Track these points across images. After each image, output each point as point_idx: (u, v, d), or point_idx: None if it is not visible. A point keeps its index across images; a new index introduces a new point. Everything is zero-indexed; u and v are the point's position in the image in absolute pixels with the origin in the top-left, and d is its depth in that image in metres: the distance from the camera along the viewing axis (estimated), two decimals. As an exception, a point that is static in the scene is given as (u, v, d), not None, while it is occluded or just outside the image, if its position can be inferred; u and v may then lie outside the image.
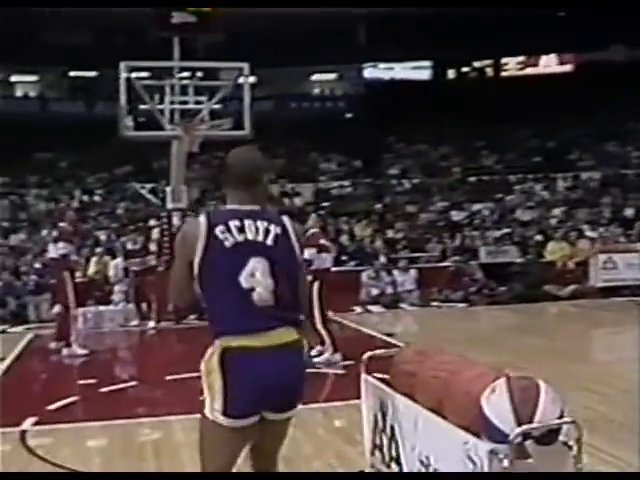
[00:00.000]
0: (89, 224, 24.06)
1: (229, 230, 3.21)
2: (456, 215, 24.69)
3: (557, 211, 23.33)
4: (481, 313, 15.05)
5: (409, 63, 35.14)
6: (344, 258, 19.66)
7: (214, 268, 3.20)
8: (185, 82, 15.44)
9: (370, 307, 15.73)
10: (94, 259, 16.52)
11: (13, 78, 32.99)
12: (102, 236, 21.94)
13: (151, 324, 13.96)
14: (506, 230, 21.15)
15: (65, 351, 11.21)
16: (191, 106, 15.25)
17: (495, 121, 29.18)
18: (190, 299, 3.36)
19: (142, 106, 15.18)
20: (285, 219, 3.39)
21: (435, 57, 34.86)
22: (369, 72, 35.41)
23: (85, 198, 26.99)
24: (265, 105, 34.33)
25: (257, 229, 3.25)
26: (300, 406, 3.39)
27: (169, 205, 15.14)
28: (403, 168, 29.89)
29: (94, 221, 24.40)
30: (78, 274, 12.92)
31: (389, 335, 11.74)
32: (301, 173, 29.92)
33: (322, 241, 10.19)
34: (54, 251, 11.55)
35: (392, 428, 4.24)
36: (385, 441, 4.38)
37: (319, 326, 9.84)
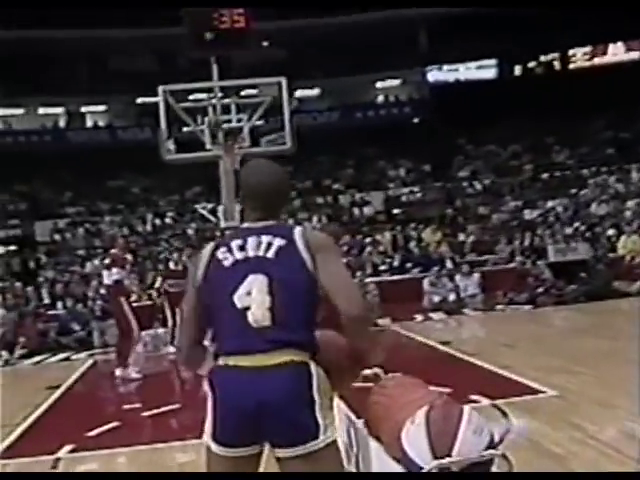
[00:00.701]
0: (160, 247, 24.51)
1: (230, 250, 3.02)
2: (529, 214, 24.18)
3: (631, 203, 22.53)
4: (545, 314, 14.52)
5: (473, 63, 34.57)
6: (409, 265, 19.44)
7: (212, 290, 3.02)
8: (225, 101, 15.37)
9: (432, 314, 15.40)
10: (158, 280, 16.70)
11: (83, 109, 33.81)
12: (174, 257, 22.31)
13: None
14: (577, 226, 20.52)
15: (118, 372, 11.27)
16: (232, 124, 15.16)
17: (565, 115, 28.46)
18: (199, 359, 3.18)
19: (185, 128, 15.23)
20: (296, 232, 3.04)
21: (500, 54, 34.21)
22: (433, 75, 34.95)
23: (157, 221, 27.41)
24: (331, 116, 34.42)
25: (259, 244, 3.00)
26: (319, 441, 2.85)
27: (222, 224, 15.13)
28: (473, 170, 29.42)
29: (166, 243, 24.74)
30: (134, 297, 13.02)
31: (444, 344, 11.47)
32: (370, 182, 29.75)
33: None
34: (108, 277, 11.65)
35: (357, 457, 3.95)
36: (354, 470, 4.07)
37: None
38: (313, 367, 2.91)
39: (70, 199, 29.95)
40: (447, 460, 2.76)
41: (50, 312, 17.17)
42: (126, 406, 9.38)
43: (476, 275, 16.41)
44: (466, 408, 2.94)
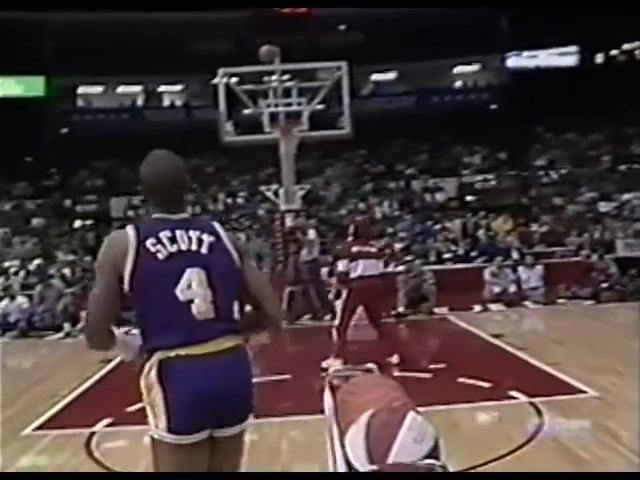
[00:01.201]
0: (229, 226, 24.79)
1: (160, 242, 3.06)
2: (604, 206, 23.58)
3: None
4: (606, 311, 14.05)
5: (554, 50, 33.73)
6: (474, 254, 19.17)
7: (147, 282, 3.03)
8: (287, 84, 15.37)
9: (491, 305, 15.10)
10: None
11: (161, 88, 34.32)
12: (242, 238, 22.59)
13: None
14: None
15: None
16: (292, 108, 15.15)
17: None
18: (107, 341, 3.22)
19: (245, 111, 15.31)
20: (217, 227, 3.23)
21: (581, 42, 33.29)
22: (513, 61, 34.26)
23: (229, 201, 27.70)
24: (407, 100, 34.12)
25: (190, 239, 3.10)
26: (250, 419, 3.15)
27: (282, 206, 15.19)
28: (550, 159, 28.84)
29: (236, 223, 24.98)
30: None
31: (496, 336, 11.27)
32: (444, 168, 29.45)
33: (354, 249, 9.79)
34: None
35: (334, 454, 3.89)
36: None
37: (334, 330, 9.68)
38: (248, 349, 3.18)
39: (145, 177, 30.49)
40: (373, 467, 2.72)
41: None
42: None
43: (539, 267, 15.99)
44: (410, 415, 2.84)
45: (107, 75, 32.58)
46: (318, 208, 26.27)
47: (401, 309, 14.33)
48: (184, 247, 3.08)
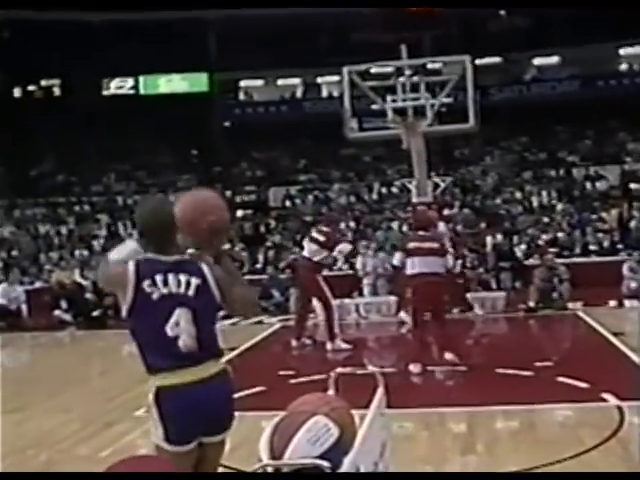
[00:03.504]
0: (384, 215, 24.94)
1: (155, 284, 3.62)
2: None
3: None
4: None
5: None
6: (620, 247, 18.45)
7: (142, 319, 3.63)
8: (414, 79, 15.33)
9: (626, 302, 14.48)
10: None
11: (319, 80, 34.84)
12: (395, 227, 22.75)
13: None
14: None
15: (329, 345, 11.46)
16: (419, 102, 15.10)
17: None
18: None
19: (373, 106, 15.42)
20: (205, 269, 3.73)
21: None
22: (685, 42, 32.33)
23: (384, 190, 27.85)
24: (571, 85, 33.00)
25: (179, 282, 3.66)
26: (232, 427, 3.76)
27: (414, 199, 15.19)
28: None
29: (390, 213, 25.11)
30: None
31: (616, 334, 10.90)
32: (607, 155, 28.36)
33: (411, 245, 9.58)
34: (311, 252, 11.73)
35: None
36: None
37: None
38: (230, 370, 3.76)
39: (304, 167, 31.19)
40: (278, 462, 3.04)
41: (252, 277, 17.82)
42: (281, 372, 9.58)
43: (682, 264, 15.16)
44: (313, 419, 3.10)
45: (267, 69, 33.50)
46: (473, 197, 25.98)
47: (532, 303, 14.11)
48: (174, 290, 3.64)
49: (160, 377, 3.59)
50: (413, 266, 9.42)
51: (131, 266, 3.62)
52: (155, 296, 3.60)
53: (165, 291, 3.62)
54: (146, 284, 3.60)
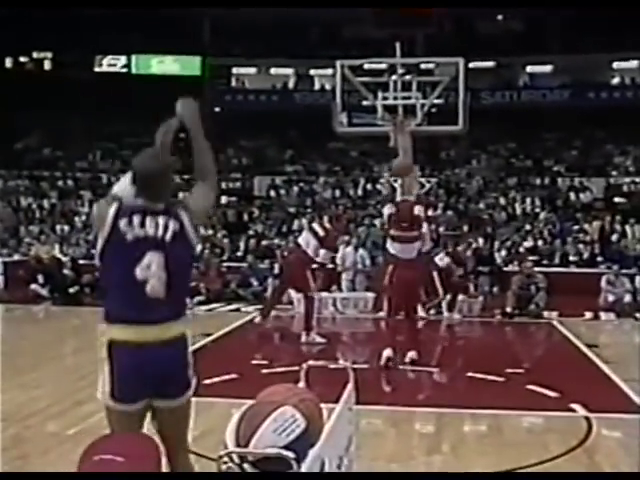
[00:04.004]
0: (367, 211, 24.97)
1: (131, 224, 3.56)
2: None
3: None
4: None
5: None
6: (599, 259, 18.65)
7: (114, 258, 3.57)
8: (406, 78, 15.41)
9: (602, 314, 14.70)
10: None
11: (311, 72, 34.78)
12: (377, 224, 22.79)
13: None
14: None
15: (303, 337, 11.45)
16: (409, 101, 15.16)
17: None
18: None
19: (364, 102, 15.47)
20: (183, 214, 3.66)
21: None
22: (677, 60, 32.52)
23: (369, 186, 27.86)
24: (562, 94, 33.11)
25: (157, 225, 3.59)
26: (188, 395, 3.67)
27: (398, 198, 15.20)
28: None
29: (374, 209, 25.14)
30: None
31: (590, 346, 10.99)
32: (593, 166, 28.49)
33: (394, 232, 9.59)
34: (309, 247, 11.61)
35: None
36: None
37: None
38: (189, 334, 3.68)
39: (290, 158, 31.14)
40: (243, 450, 3.07)
41: (231, 265, 17.91)
42: (254, 361, 9.69)
43: (660, 278, 15.36)
44: (280, 410, 3.12)
45: (260, 57, 33.42)
46: (457, 200, 26.05)
47: (508, 309, 14.22)
48: (151, 232, 3.57)
49: (116, 328, 3.53)
50: (394, 249, 9.51)
51: (114, 205, 3.58)
52: (129, 237, 3.53)
53: (141, 233, 3.55)
54: (122, 223, 3.54)
